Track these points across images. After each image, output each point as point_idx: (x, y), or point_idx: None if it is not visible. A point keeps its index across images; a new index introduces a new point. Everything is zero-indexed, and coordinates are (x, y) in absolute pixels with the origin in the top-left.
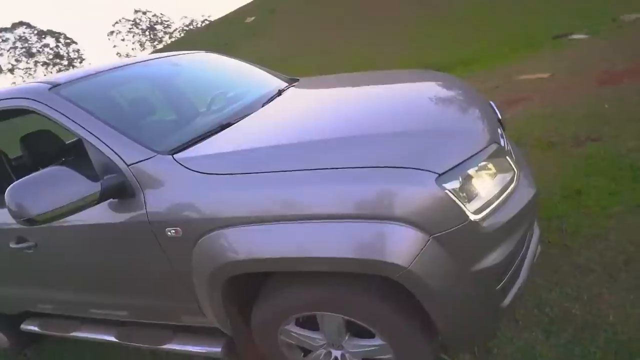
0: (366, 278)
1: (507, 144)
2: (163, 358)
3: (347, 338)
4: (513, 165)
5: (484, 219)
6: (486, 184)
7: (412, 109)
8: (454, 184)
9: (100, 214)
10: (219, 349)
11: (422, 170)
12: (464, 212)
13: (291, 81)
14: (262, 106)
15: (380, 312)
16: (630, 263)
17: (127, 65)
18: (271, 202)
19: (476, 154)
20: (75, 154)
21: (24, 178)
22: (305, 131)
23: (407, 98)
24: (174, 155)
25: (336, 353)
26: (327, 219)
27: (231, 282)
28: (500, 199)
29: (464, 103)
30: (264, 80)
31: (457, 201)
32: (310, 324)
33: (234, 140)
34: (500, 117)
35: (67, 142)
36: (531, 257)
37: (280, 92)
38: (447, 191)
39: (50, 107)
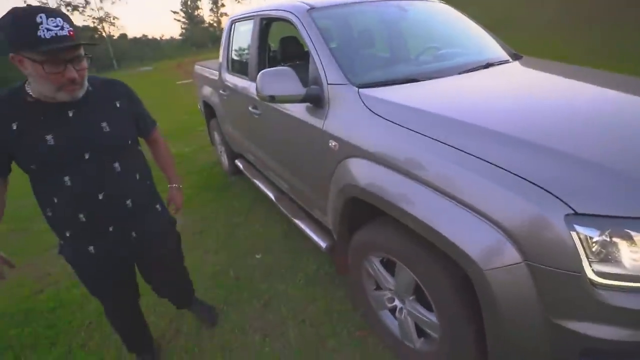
0: (450, 259)
1: None
2: (293, 231)
3: (411, 298)
4: None
5: (606, 287)
6: (636, 254)
7: (614, 134)
8: (589, 232)
9: (299, 109)
10: (324, 245)
11: (559, 199)
12: (580, 263)
13: (513, 56)
14: (460, 74)
15: (446, 295)
16: None
17: (367, 1)
18: (408, 158)
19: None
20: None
21: (268, 69)
22: (482, 114)
23: (621, 119)
24: (359, 90)
25: (398, 303)
26: (451, 198)
27: (353, 202)
28: None
29: None
30: (481, 47)
31: (579, 248)
32: (390, 269)
33: (412, 96)
34: None
35: (305, 50)
36: None
37: (487, 65)
38: (573, 232)
39: (302, 24)
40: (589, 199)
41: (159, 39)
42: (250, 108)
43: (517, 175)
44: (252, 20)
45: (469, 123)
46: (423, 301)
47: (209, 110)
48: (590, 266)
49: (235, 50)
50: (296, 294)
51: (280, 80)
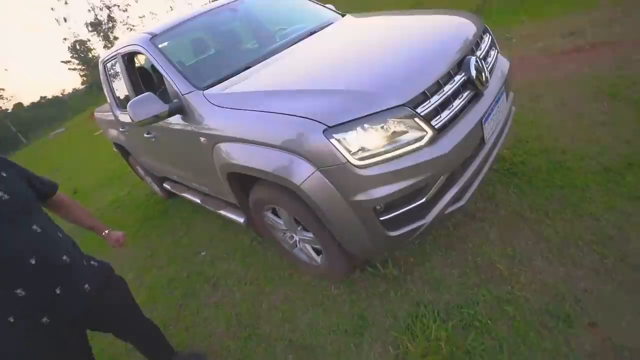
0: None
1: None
2: (226, 223)
3: (299, 228)
4: (426, 127)
5: (364, 166)
6: (376, 139)
7: (361, 66)
8: (341, 135)
9: (177, 120)
10: (242, 220)
11: (317, 122)
12: (343, 156)
13: (339, 17)
14: (283, 50)
15: (303, 213)
16: None
17: (199, 14)
18: (240, 130)
19: (372, 114)
20: None
21: (133, 99)
22: (277, 81)
23: (361, 54)
24: (204, 92)
25: (296, 237)
26: (267, 146)
27: (233, 176)
28: (392, 153)
29: (410, 58)
30: (308, 19)
31: (339, 148)
32: (277, 215)
33: (238, 83)
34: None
35: None
36: (441, 208)
37: (311, 33)
38: (332, 140)
39: (148, 51)
40: (334, 115)
41: (60, 95)
42: (145, 135)
43: (292, 115)
44: (116, 59)
45: (264, 91)
46: (305, 229)
47: (122, 149)
48: (352, 156)
49: (116, 88)
50: (237, 268)
51: (145, 105)
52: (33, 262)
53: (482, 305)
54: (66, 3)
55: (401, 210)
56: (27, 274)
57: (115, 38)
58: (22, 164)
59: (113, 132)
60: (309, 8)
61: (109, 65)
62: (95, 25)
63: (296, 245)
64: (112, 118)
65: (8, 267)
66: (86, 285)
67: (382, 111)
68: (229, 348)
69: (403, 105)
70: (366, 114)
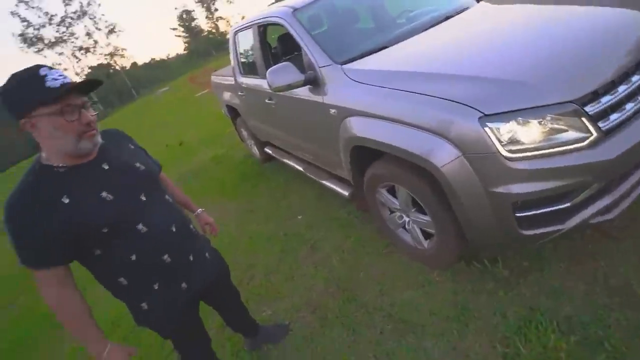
0: (424, 170)
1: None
2: (324, 193)
3: (413, 210)
4: (591, 128)
5: (514, 159)
6: (531, 133)
7: (519, 55)
8: (496, 125)
9: (304, 91)
10: (346, 193)
11: (473, 108)
12: (494, 146)
13: (473, 2)
14: (421, 33)
15: (427, 195)
16: None
17: None
18: (381, 107)
19: (533, 107)
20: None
21: (273, 67)
22: (424, 62)
23: (517, 43)
24: (343, 66)
25: (406, 218)
26: (408, 125)
27: (357, 150)
28: (547, 150)
29: (581, 52)
30: (441, 2)
31: (491, 137)
32: (393, 194)
33: (379, 61)
34: None
35: None
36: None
37: (447, 18)
38: (486, 128)
39: (289, 24)
40: (493, 103)
41: (166, 58)
42: (266, 100)
43: (446, 99)
44: (250, 29)
45: (412, 71)
46: (420, 211)
47: (233, 112)
48: (503, 147)
49: (243, 55)
50: (335, 236)
51: (284, 73)
52: (174, 229)
53: (616, 328)
54: None
55: (541, 211)
56: (171, 241)
57: (216, 9)
58: (136, 117)
59: (227, 95)
60: None
61: (239, 34)
62: None
63: (403, 226)
64: (231, 82)
65: (158, 235)
66: (207, 254)
67: (544, 106)
68: (328, 305)
69: (570, 102)
70: (526, 107)
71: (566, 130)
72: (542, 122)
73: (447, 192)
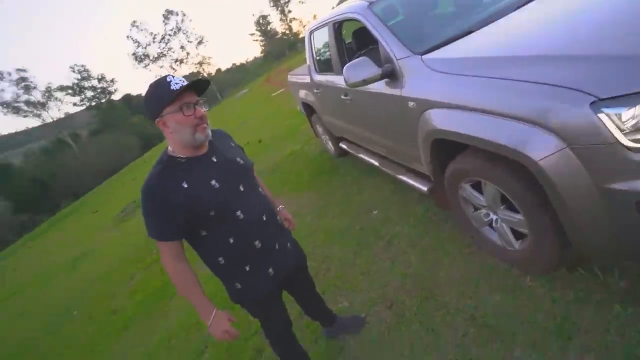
0: (517, 164)
1: None
2: (399, 188)
3: (502, 207)
4: None
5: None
6: None
7: (624, 28)
8: (614, 110)
9: (380, 86)
10: (425, 188)
11: (583, 92)
12: (612, 135)
13: None
14: (508, 14)
15: (521, 192)
16: None
17: None
18: (466, 97)
19: None
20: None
21: (349, 63)
22: (520, 45)
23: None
24: (422, 57)
25: (493, 216)
26: (499, 115)
27: (437, 143)
28: None
29: None
30: None
31: (608, 125)
32: (479, 190)
33: (463, 49)
34: None
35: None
36: None
37: None
38: (601, 114)
39: (366, 18)
40: (609, 85)
41: (245, 62)
42: (342, 96)
43: (544, 84)
44: (325, 27)
45: (507, 56)
46: (511, 208)
47: (308, 109)
48: (625, 136)
49: (318, 54)
50: (411, 232)
51: (360, 68)
52: (264, 218)
53: None
54: None
55: None
56: (262, 229)
57: (289, 11)
58: (220, 118)
59: (303, 93)
60: None
61: (315, 33)
62: (275, 1)
63: (490, 225)
64: (306, 80)
65: (252, 222)
66: (289, 245)
67: None
68: (404, 302)
69: None
70: None
71: None
72: None
73: (547, 190)
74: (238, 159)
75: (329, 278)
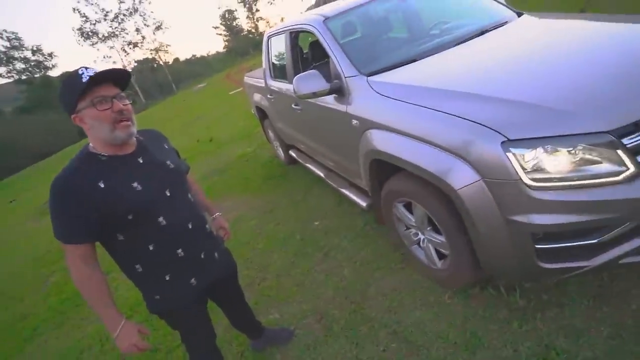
0: (441, 190)
1: None
2: (342, 201)
3: (428, 228)
4: (629, 163)
5: (538, 188)
6: (559, 163)
7: (554, 78)
8: (522, 151)
9: (329, 100)
10: (364, 204)
11: (496, 132)
12: (516, 173)
13: (514, 16)
14: (454, 47)
15: (443, 216)
16: None
17: (370, 1)
18: (402, 122)
19: (563, 135)
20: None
21: (300, 74)
22: (452, 80)
23: (552, 63)
24: (368, 78)
25: (421, 236)
26: (428, 143)
27: (376, 163)
28: (576, 182)
29: (623, 77)
30: (480, 15)
31: (514, 164)
32: (410, 210)
33: (407, 76)
34: None
35: None
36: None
37: (482, 33)
38: (509, 154)
39: (319, 32)
40: (518, 128)
41: (206, 55)
42: (293, 105)
43: (468, 120)
44: (283, 34)
45: (437, 88)
46: (436, 230)
47: (261, 113)
48: (526, 175)
49: (274, 59)
50: (348, 245)
51: (310, 80)
52: (190, 226)
53: None
54: None
55: (564, 244)
56: (186, 237)
57: (257, 10)
58: (173, 110)
59: (257, 96)
60: (480, 2)
61: (273, 38)
62: None
63: (418, 244)
64: (261, 84)
65: (176, 229)
66: (216, 254)
67: (576, 135)
68: (334, 316)
69: (607, 132)
70: (555, 134)
71: (599, 162)
72: (573, 152)
73: (463, 215)
74: (168, 162)
75: (263, 288)
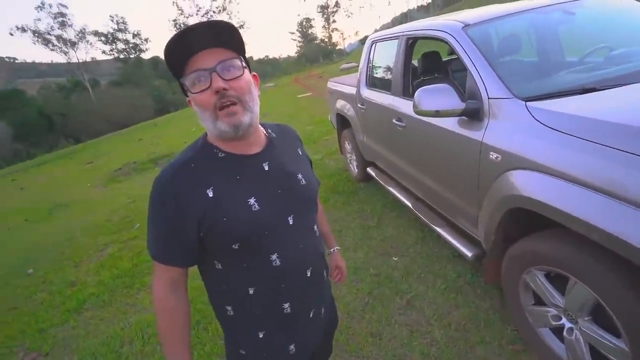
0: (633, 270)
1: None
2: (428, 237)
3: (586, 318)
4: None
5: None
6: None
7: None
8: None
9: (450, 122)
10: (469, 254)
11: None
12: None
13: None
14: None
15: (630, 308)
16: None
17: (523, 10)
18: (581, 168)
19: None
20: (447, 71)
21: (426, 86)
22: None
23: None
24: (527, 103)
25: (566, 323)
26: (619, 199)
27: (512, 212)
28: None
29: None
30: None
31: None
32: (558, 284)
33: (590, 105)
34: None
35: (443, 59)
36: None
37: None
38: None
39: (457, 41)
40: None
41: (278, 57)
42: (394, 120)
43: None
44: (395, 40)
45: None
46: (602, 322)
47: (342, 122)
48: None
49: (375, 68)
50: (438, 298)
51: (439, 96)
52: (309, 274)
53: None
54: None
55: None
56: (300, 288)
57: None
58: None
59: (341, 103)
60: None
61: (378, 44)
62: (323, 8)
63: (555, 330)
64: (349, 91)
65: (290, 276)
66: (323, 310)
67: None
68: None
69: None
70: None
71: None
72: None
73: None
74: (299, 176)
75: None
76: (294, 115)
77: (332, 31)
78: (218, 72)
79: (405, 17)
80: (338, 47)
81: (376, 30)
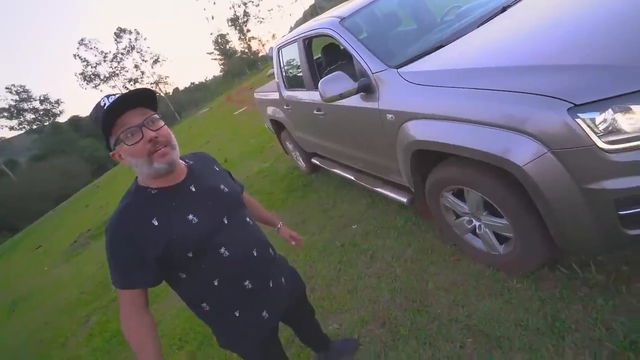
0: (500, 170)
1: None
2: (376, 200)
3: (484, 213)
4: None
5: (614, 150)
6: (635, 121)
7: (603, 37)
8: (589, 115)
9: (355, 100)
10: (405, 199)
11: (560, 99)
12: (589, 138)
13: None
14: (479, 27)
15: (505, 197)
16: None
17: None
18: (446, 108)
19: (633, 92)
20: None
21: (324, 77)
22: (493, 56)
23: (609, 22)
24: (398, 70)
25: (475, 223)
26: (479, 124)
27: (417, 155)
28: None
29: None
30: None
31: (585, 129)
32: (461, 197)
33: (441, 60)
34: None
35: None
36: None
37: (504, 9)
38: (578, 119)
39: (338, 34)
40: (582, 92)
41: (204, 81)
42: (314, 111)
43: (525, 93)
44: (295, 43)
45: (482, 67)
46: (494, 214)
47: (277, 126)
48: (600, 139)
49: (287, 70)
50: (394, 244)
51: (336, 82)
52: (255, 254)
53: None
54: (214, 3)
55: None
56: (252, 266)
57: (248, 30)
58: (180, 139)
59: (271, 109)
60: None
61: (283, 49)
62: (234, 21)
63: (472, 231)
64: (274, 97)
65: (240, 259)
66: (283, 280)
67: None
68: (397, 318)
69: None
70: (623, 92)
71: None
72: None
73: (531, 192)
74: (222, 187)
75: (315, 299)
76: (235, 132)
77: (250, 40)
78: (147, 125)
79: (314, 9)
80: (261, 54)
81: (292, 28)
